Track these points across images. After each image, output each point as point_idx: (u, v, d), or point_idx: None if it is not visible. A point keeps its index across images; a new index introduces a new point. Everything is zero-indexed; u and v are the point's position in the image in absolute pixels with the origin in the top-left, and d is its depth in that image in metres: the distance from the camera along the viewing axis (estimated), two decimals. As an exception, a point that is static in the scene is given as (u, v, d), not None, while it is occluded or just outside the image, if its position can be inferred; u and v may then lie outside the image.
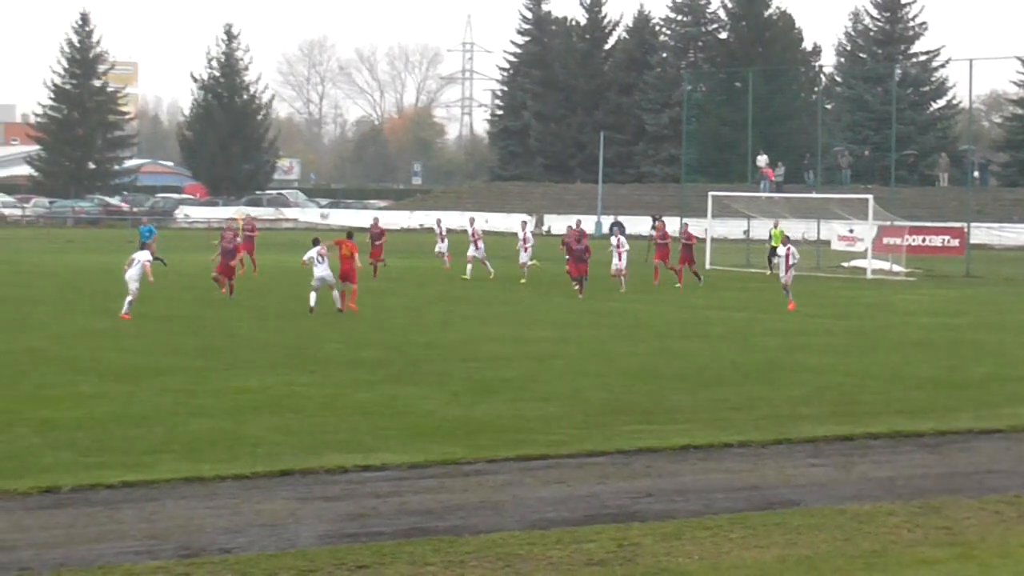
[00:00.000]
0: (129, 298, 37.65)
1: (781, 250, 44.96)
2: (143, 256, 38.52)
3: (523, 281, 54.30)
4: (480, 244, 57.65)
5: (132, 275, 37.95)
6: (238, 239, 46.80)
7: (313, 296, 39.83)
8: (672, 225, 76.73)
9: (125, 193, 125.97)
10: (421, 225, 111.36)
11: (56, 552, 15.09)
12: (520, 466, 19.83)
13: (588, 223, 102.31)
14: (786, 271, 45.18)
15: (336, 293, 40.26)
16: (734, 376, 28.87)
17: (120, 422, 22.34)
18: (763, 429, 22.76)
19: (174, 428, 21.91)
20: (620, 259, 52.98)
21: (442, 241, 63.74)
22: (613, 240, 75.54)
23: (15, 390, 25.47)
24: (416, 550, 15.29)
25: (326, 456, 19.88)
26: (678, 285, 54.27)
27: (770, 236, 64.13)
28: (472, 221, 61.34)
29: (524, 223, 60.12)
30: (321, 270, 40.20)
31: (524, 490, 18.36)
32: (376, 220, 63.85)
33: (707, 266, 66.42)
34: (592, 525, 16.52)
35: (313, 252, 40.38)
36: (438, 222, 67.40)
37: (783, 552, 15.51)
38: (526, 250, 56.45)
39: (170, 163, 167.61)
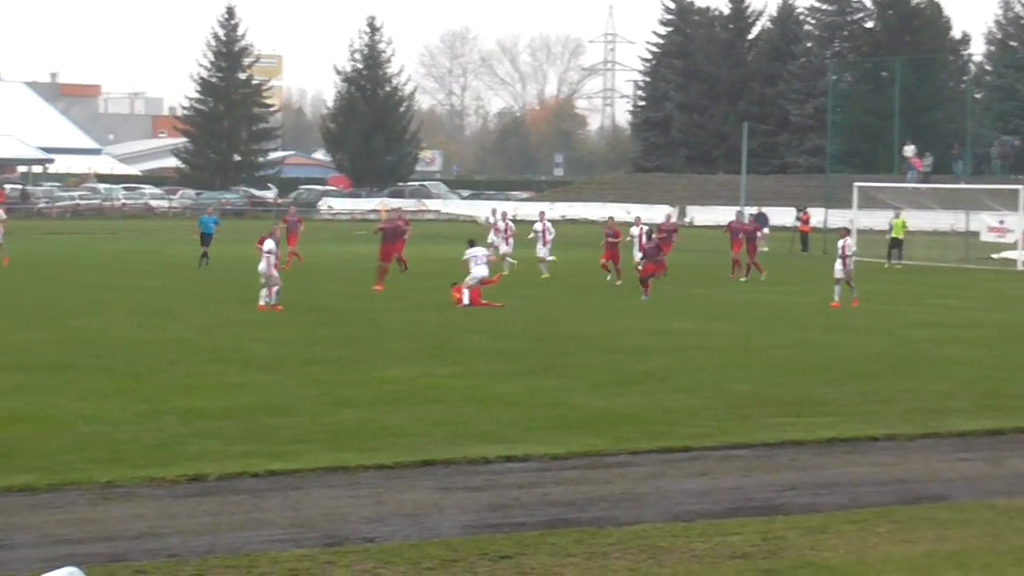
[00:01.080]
0: (267, 289, 38.20)
1: (839, 242, 42.57)
2: (268, 247, 38.60)
3: (545, 276, 51.64)
4: (511, 240, 55.30)
5: (263, 268, 38.32)
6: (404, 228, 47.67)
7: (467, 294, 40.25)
8: (817, 216, 76.31)
9: (270, 186, 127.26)
10: (563, 217, 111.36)
11: (203, 539, 15.27)
12: (663, 458, 19.75)
13: (729, 214, 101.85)
14: (843, 265, 41.88)
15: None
16: (880, 369, 28.53)
17: (265, 411, 22.58)
18: (910, 422, 22.47)
19: (318, 418, 22.09)
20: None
21: (507, 242, 55.76)
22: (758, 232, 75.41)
23: (163, 379, 25.84)
24: (558, 541, 15.27)
25: (468, 447, 19.94)
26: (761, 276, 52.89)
27: (890, 227, 63.33)
28: (504, 216, 57.08)
29: (542, 213, 56.57)
30: (480, 270, 40.83)
31: (667, 482, 18.28)
32: (399, 211, 59.82)
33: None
34: (736, 518, 16.40)
35: (477, 252, 41.31)
36: (498, 213, 59.44)
37: (931, 547, 15.29)
38: (546, 243, 53.59)
39: (317, 154, 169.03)
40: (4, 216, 56.37)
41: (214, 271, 50.05)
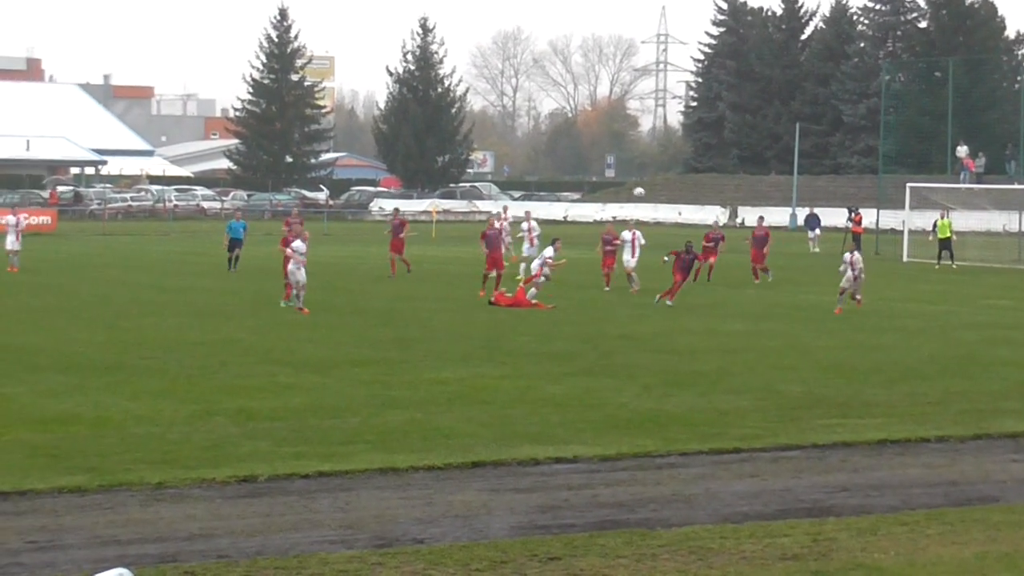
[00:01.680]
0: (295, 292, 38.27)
1: (847, 256, 40.94)
2: (297, 248, 38.44)
3: (519, 278, 48.38)
4: (535, 242, 52.77)
5: (291, 268, 38.42)
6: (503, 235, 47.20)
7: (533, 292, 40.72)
8: (869, 216, 75.99)
9: (322, 187, 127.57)
10: (614, 218, 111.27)
11: (253, 540, 15.33)
12: (712, 459, 19.72)
13: (782, 215, 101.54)
14: (853, 279, 40.12)
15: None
16: (931, 370, 28.39)
17: (315, 413, 22.64)
18: (962, 424, 22.35)
19: (368, 419, 22.15)
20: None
21: (532, 244, 53.06)
22: (810, 233, 75.19)
23: (214, 380, 25.96)
24: (608, 543, 15.26)
25: (518, 448, 19.95)
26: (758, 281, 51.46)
27: (934, 227, 62.96)
28: (528, 215, 55.46)
29: (528, 212, 55.52)
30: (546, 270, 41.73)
31: (717, 483, 18.24)
32: (396, 210, 58.53)
33: (904, 259, 65.40)
34: (786, 519, 16.35)
35: (549, 251, 42.53)
36: (527, 215, 56.62)
37: (982, 549, 15.20)
38: (532, 243, 51.99)
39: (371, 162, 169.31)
40: (23, 223, 56.17)
41: (266, 272, 50.17)
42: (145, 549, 14.93)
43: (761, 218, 56.53)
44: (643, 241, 46.82)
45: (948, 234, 61.71)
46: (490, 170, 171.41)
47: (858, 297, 40.59)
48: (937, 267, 60.36)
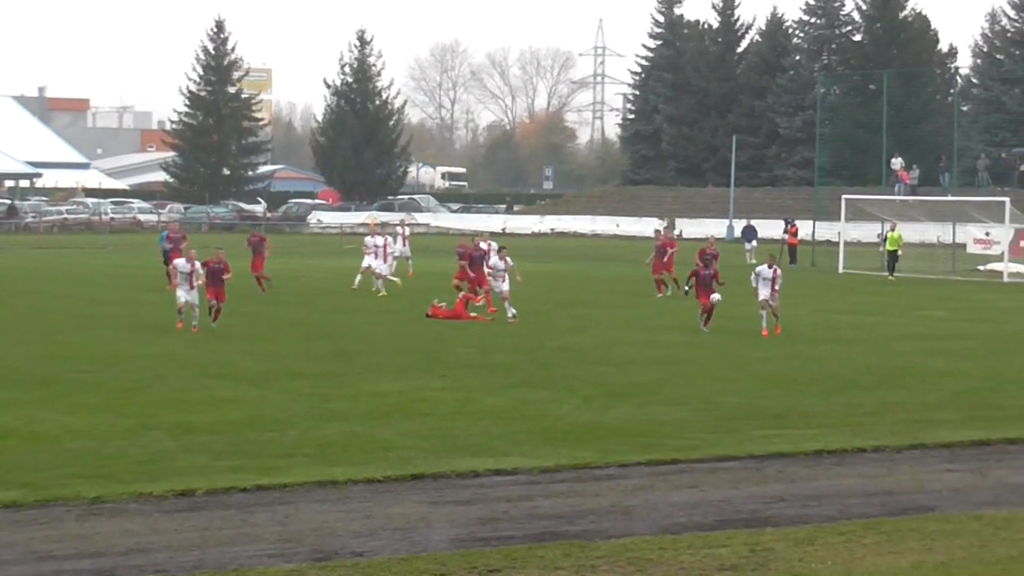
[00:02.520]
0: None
1: (764, 269, 37.55)
2: (180, 267, 37.01)
3: (382, 294, 48.31)
4: (390, 259, 50.56)
5: (177, 292, 36.93)
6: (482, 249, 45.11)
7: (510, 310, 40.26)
8: (805, 228, 76.41)
9: (259, 200, 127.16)
10: (552, 230, 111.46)
11: (190, 555, 15.27)
12: (651, 470, 19.78)
13: (719, 227, 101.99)
14: (771, 291, 37.26)
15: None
16: (867, 381, 28.58)
17: (254, 426, 22.56)
18: (898, 434, 22.52)
19: (307, 432, 22.09)
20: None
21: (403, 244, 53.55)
22: (747, 245, 75.55)
23: (151, 394, 25.82)
24: (547, 554, 15.28)
25: (457, 460, 19.95)
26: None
27: (885, 239, 63.33)
28: (403, 222, 55.00)
29: (401, 221, 55.58)
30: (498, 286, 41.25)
31: (655, 495, 18.30)
32: (255, 227, 57.36)
33: (840, 270, 65.81)
34: (724, 530, 16.42)
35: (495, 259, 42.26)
36: (402, 223, 57.07)
37: (918, 558, 15.32)
38: (386, 260, 49.52)
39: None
40: None
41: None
42: (82, 564, 14.84)
43: (659, 230, 56.95)
44: (510, 262, 42.35)
45: (896, 247, 62.08)
46: (428, 182, 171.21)
47: (777, 315, 37.34)
48: (892, 278, 60.63)
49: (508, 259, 41.92)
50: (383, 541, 15.86)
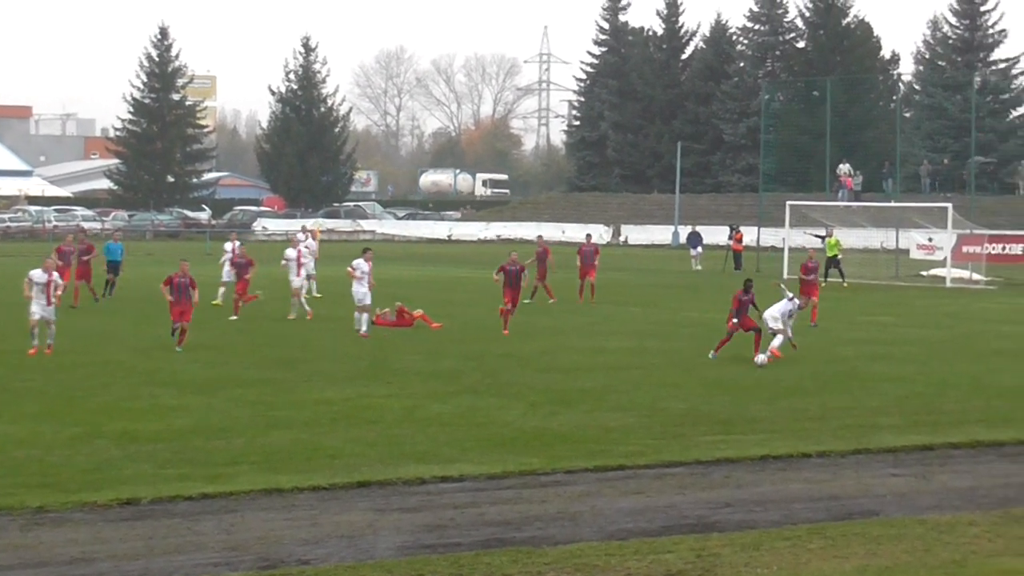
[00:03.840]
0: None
1: (784, 307, 33.99)
2: (35, 278, 33.07)
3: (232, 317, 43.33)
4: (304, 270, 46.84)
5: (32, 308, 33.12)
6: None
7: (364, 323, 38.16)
8: (750, 234, 76.74)
9: (204, 207, 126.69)
10: (498, 236, 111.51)
11: (135, 564, 15.20)
12: (598, 477, 19.82)
13: (665, 234, 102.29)
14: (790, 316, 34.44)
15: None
16: (813, 386, 28.72)
17: (199, 434, 22.48)
18: (842, 439, 22.64)
19: (253, 440, 22.03)
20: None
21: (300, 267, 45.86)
22: (692, 252, 75.80)
23: (96, 402, 25.69)
24: (494, 561, 15.30)
25: (404, 467, 19.93)
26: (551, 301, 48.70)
27: (824, 245, 63.61)
28: (304, 229, 52.56)
29: (304, 227, 53.93)
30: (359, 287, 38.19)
31: (602, 501, 18.34)
32: (82, 230, 50.83)
33: (784, 276, 66.07)
34: (670, 536, 16.48)
35: (359, 262, 38.51)
36: (303, 229, 53.92)
37: (863, 562, 15.41)
38: (299, 274, 44.89)
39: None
40: None
41: (149, 293, 49.73)
42: (25, 574, 14.76)
43: (588, 235, 57.20)
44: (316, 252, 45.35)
45: (836, 252, 62.32)
46: (374, 189, 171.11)
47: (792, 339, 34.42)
48: (823, 284, 60.91)
49: (370, 263, 38.95)
50: (329, 549, 15.84)
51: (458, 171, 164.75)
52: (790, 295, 34.77)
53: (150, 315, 41.40)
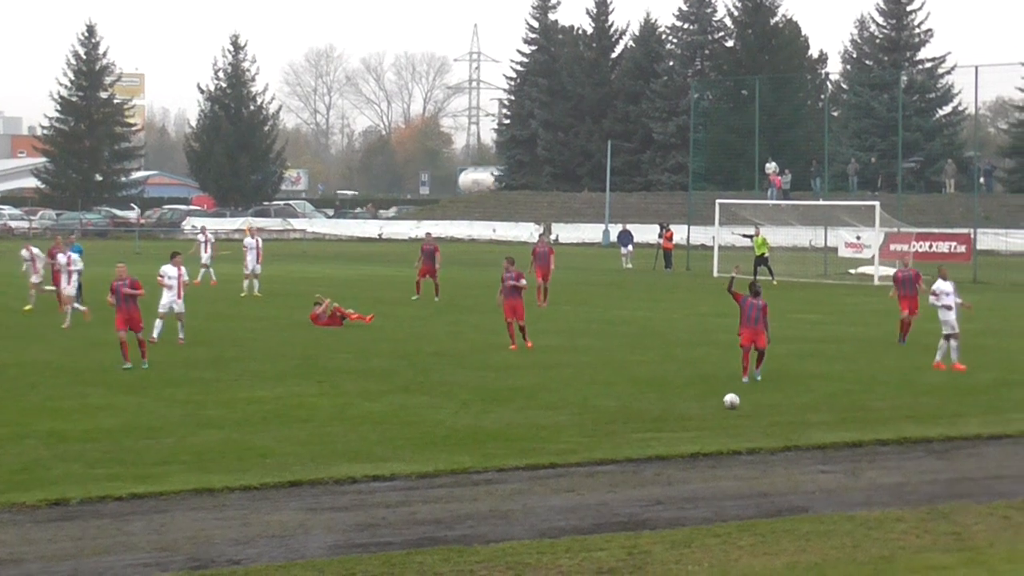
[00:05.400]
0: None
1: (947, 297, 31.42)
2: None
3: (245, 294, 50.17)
4: (209, 249, 55.75)
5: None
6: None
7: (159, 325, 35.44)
8: (680, 232, 77.04)
9: (133, 206, 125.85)
10: (428, 235, 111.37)
11: (65, 565, 15.11)
12: (529, 475, 19.85)
13: (595, 232, 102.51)
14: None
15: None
16: (742, 384, 28.83)
17: (129, 434, 22.36)
18: (772, 436, 22.78)
19: (183, 439, 21.93)
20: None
21: (206, 251, 56.46)
22: (623, 250, 76.00)
23: (24, 402, 25.50)
24: (426, 560, 15.30)
25: (335, 466, 19.90)
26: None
27: (753, 243, 63.89)
28: (204, 229, 56.99)
29: (203, 228, 56.78)
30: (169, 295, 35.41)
31: (534, 499, 18.37)
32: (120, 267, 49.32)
33: (715, 274, 66.39)
34: (602, 533, 16.53)
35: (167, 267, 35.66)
36: (203, 230, 59.14)
37: (792, 559, 15.51)
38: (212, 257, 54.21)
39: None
40: None
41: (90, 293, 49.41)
42: (-46, 576, 14.64)
43: (542, 235, 57.48)
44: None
45: (764, 251, 62.60)
46: (304, 188, 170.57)
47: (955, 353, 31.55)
48: (774, 283, 61.10)
49: (182, 268, 35.91)
50: (260, 549, 15.80)
51: (495, 170, 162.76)
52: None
53: (77, 315, 41.06)
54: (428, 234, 58.03)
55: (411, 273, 52.96)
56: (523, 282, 35.26)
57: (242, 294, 50.00)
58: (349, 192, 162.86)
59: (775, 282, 61.15)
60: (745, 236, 65.34)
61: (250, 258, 50.85)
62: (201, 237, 57.12)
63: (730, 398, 25.33)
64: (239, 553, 15.59)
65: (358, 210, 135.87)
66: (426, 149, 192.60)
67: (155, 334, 34.48)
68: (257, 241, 51.49)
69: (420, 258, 50.85)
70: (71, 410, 24.66)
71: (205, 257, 55.98)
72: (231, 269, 57.43)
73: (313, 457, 20.57)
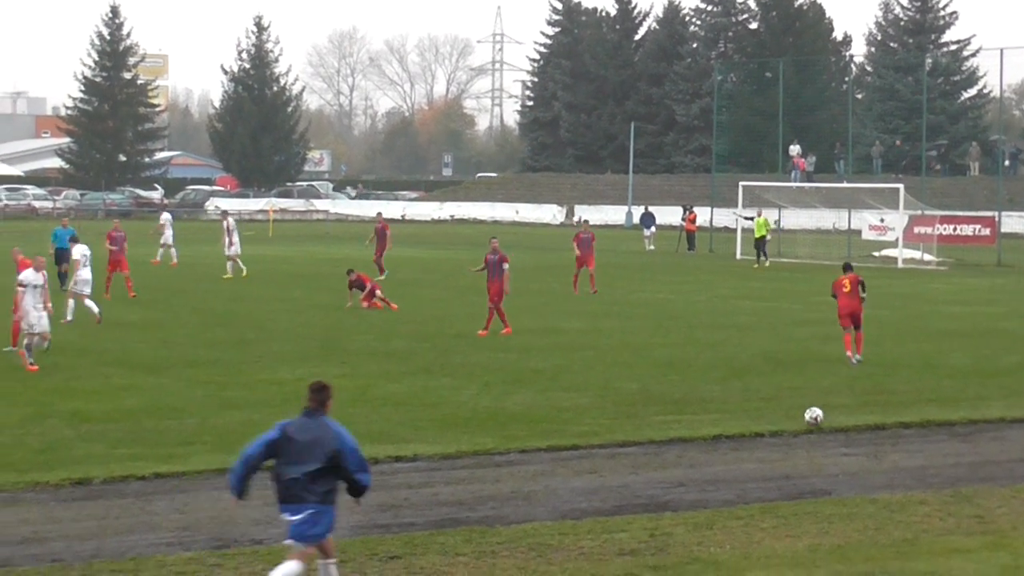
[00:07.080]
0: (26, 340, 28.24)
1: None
2: (29, 279, 28.41)
3: (228, 276, 50.14)
4: (235, 239, 51.38)
5: (27, 308, 28.09)
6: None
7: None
8: (703, 215, 76.92)
9: (156, 187, 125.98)
10: (452, 216, 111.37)
11: (88, 544, 15.14)
12: (551, 456, 19.85)
13: (618, 214, 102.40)
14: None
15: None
16: (765, 366, 28.81)
17: (151, 414, 22.41)
18: (794, 419, 22.72)
19: (205, 420, 21.97)
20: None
21: (231, 242, 51.82)
22: (646, 232, 75.90)
23: (47, 382, 25.56)
24: (448, 540, 15.31)
25: (357, 447, 19.89)
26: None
27: (753, 225, 63.81)
28: (226, 215, 55.30)
29: (226, 213, 55.94)
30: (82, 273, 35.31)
31: (555, 480, 18.37)
32: (116, 224, 47.24)
33: (737, 256, 66.28)
34: (624, 515, 16.52)
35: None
36: (225, 215, 56.30)
37: (814, 541, 15.49)
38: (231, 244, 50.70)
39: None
40: None
41: (98, 272, 49.52)
42: (-23, 554, 14.68)
43: (585, 221, 57.59)
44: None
45: (763, 233, 62.54)
46: (327, 169, 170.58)
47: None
48: (755, 266, 61.10)
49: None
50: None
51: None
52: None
53: (99, 296, 41.15)
54: (379, 214, 59.78)
55: (430, 255, 52.95)
56: (506, 266, 35.23)
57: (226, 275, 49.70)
58: (364, 178, 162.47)
59: (766, 263, 61.00)
60: (747, 219, 65.27)
61: (226, 240, 50.93)
62: (225, 225, 55.37)
63: (813, 412, 22.49)
64: (261, 533, 15.61)
65: (348, 189, 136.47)
66: (449, 131, 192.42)
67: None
68: (229, 222, 51.91)
69: (372, 237, 52.86)
70: (93, 390, 24.72)
71: (231, 249, 51.69)
72: (256, 251, 57.41)
73: (335, 438, 20.55)
